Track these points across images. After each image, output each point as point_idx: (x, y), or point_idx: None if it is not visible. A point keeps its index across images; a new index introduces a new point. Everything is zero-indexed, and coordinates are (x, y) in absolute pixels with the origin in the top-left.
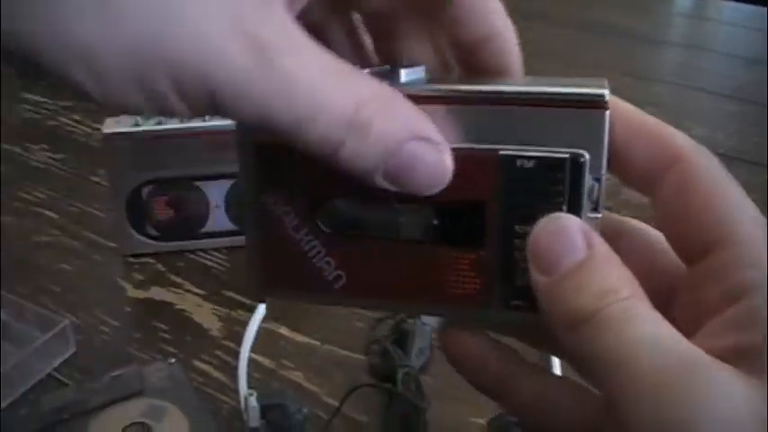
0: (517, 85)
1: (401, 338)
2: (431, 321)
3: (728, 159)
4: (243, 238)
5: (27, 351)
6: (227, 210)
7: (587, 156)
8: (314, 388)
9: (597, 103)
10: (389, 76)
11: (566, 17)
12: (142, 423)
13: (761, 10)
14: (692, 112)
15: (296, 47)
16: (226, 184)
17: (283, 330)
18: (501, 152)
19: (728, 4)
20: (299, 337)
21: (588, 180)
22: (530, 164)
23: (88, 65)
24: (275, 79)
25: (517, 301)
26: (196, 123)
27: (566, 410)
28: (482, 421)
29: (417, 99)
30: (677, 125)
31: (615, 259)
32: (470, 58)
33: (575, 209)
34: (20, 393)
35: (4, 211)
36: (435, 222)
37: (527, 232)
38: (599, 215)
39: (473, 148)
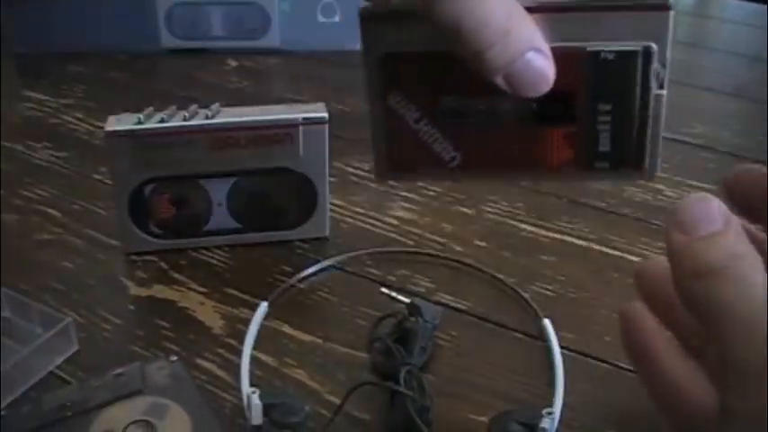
0: None
1: (403, 336)
2: (433, 319)
3: (733, 158)
4: (246, 236)
5: (29, 348)
6: (230, 207)
7: (655, 47)
8: (316, 386)
9: (663, 6)
10: None
11: None
12: (144, 421)
13: (762, 7)
14: (694, 110)
15: None
16: (228, 182)
17: (286, 328)
18: (588, 48)
19: (730, 1)
20: (302, 335)
21: (656, 66)
22: (611, 56)
23: None
24: None
25: (600, 162)
26: (198, 122)
27: (692, 402)
28: (484, 419)
29: None
30: (680, 124)
31: (746, 238)
32: None
33: (645, 88)
34: (21, 391)
35: (6, 209)
36: (534, 107)
37: (608, 109)
38: (663, 92)
39: (565, 47)
